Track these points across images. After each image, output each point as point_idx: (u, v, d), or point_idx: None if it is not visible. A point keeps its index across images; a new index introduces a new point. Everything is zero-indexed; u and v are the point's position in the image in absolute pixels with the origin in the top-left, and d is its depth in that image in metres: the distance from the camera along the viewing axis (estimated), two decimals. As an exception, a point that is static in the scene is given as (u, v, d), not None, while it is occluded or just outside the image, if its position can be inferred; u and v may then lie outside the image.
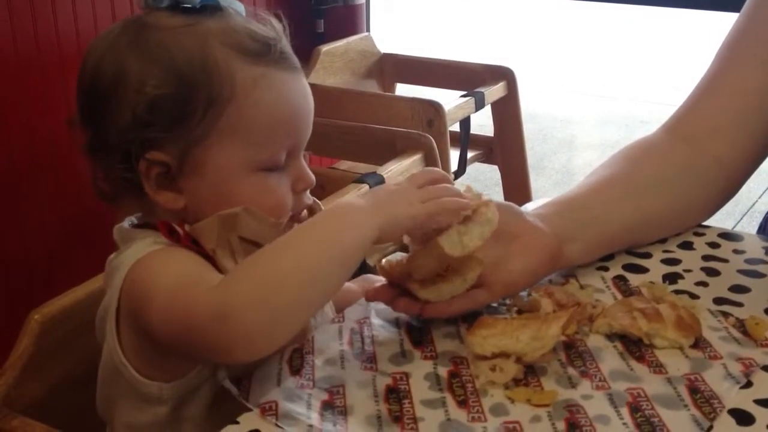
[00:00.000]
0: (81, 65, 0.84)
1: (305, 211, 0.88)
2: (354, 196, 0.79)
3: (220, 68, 0.79)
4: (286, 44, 0.85)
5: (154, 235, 0.82)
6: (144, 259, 0.80)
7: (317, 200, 0.90)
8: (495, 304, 0.89)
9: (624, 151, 1.06)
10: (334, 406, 0.74)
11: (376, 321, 0.87)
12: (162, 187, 0.82)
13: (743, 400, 0.74)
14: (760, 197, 3.46)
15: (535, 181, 2.99)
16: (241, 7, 0.86)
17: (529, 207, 0.98)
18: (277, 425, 0.71)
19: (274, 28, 0.85)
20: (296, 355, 0.81)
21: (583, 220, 0.95)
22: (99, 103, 0.82)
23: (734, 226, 3.13)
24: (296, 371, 0.79)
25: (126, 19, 0.84)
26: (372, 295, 0.86)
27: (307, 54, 2.34)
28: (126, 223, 0.88)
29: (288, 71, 0.84)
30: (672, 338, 0.81)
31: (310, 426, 0.71)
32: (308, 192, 0.88)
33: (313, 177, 0.87)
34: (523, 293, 0.89)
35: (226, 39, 0.81)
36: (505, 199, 2.33)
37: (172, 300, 0.74)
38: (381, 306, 0.88)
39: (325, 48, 2.34)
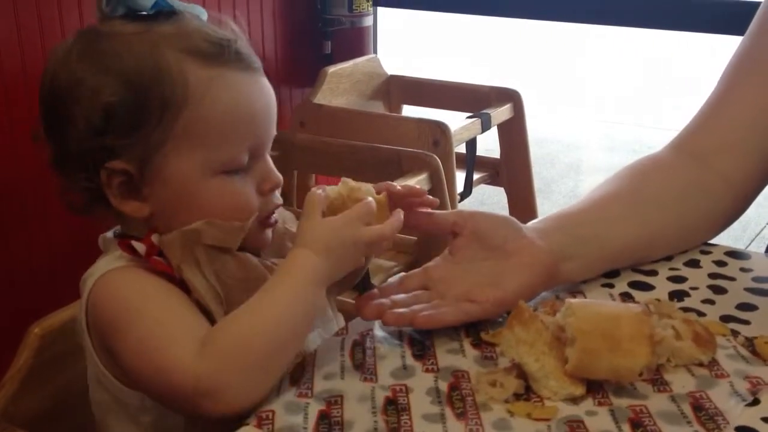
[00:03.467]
0: (41, 78, 0.85)
1: (276, 214, 0.88)
2: (309, 250, 0.80)
3: (172, 72, 0.80)
4: (243, 45, 0.85)
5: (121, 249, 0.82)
6: (104, 279, 0.81)
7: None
8: (499, 319, 0.88)
9: (629, 168, 1.05)
10: (331, 416, 0.73)
11: (378, 333, 0.86)
12: (126, 197, 0.82)
13: (751, 417, 0.73)
14: (768, 223, 3.45)
15: (542, 205, 2.98)
16: (203, 13, 0.86)
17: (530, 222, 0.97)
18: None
19: (232, 30, 0.86)
20: (297, 368, 0.80)
21: (583, 237, 0.94)
22: (56, 114, 0.83)
23: (742, 252, 3.11)
24: (295, 381, 0.78)
25: (80, 30, 0.85)
26: (366, 315, 0.85)
27: (314, 75, 2.35)
28: (110, 233, 0.88)
29: (244, 71, 0.84)
30: (692, 354, 0.80)
31: (307, 437, 0.70)
32: (277, 193, 0.88)
33: (279, 177, 0.87)
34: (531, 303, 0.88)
35: (178, 42, 0.81)
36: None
37: (145, 348, 0.76)
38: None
39: (331, 69, 2.35)
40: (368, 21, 2.57)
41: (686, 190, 1.02)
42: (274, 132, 0.87)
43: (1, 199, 1.83)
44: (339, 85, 2.36)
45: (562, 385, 0.75)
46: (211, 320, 0.79)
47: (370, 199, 0.82)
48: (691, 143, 1.06)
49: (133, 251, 0.81)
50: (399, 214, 0.84)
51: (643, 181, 1.03)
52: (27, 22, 1.81)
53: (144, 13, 0.82)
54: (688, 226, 1.03)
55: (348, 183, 0.84)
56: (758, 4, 1.08)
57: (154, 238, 0.81)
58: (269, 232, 0.88)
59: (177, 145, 0.80)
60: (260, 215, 0.85)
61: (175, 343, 0.75)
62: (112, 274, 0.81)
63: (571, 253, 0.92)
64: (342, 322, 0.97)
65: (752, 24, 1.07)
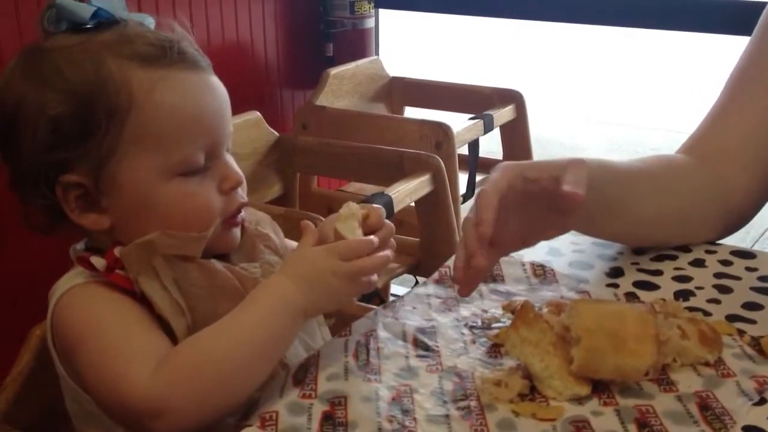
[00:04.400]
0: None
1: (242, 213, 0.87)
2: (285, 277, 0.79)
3: (114, 78, 0.79)
4: (188, 45, 0.84)
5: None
6: (65, 298, 0.81)
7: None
8: (504, 319, 0.87)
9: (656, 157, 1.06)
10: (335, 417, 0.73)
11: (382, 334, 0.86)
12: (84, 210, 0.82)
13: (758, 416, 0.72)
14: (772, 224, 3.44)
15: (545, 206, 2.97)
16: (147, 19, 0.86)
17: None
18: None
19: (175, 31, 0.85)
20: (301, 369, 0.80)
21: (610, 196, 0.94)
22: (6, 135, 0.82)
23: (746, 253, 3.10)
24: (299, 382, 0.78)
25: (23, 48, 0.84)
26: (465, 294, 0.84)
27: (316, 77, 2.34)
28: (80, 244, 0.88)
29: (190, 71, 0.83)
30: (698, 354, 0.80)
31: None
32: (240, 190, 0.86)
33: (240, 174, 0.86)
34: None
35: (119, 49, 0.81)
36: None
37: (101, 368, 0.76)
38: (388, 319, 0.88)
39: (333, 71, 2.35)
40: (370, 23, 2.57)
41: (699, 189, 1.03)
42: (229, 130, 0.86)
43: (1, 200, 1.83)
44: (341, 87, 2.36)
45: (567, 385, 0.75)
46: (171, 333, 0.78)
47: (358, 237, 0.80)
48: (699, 148, 1.07)
49: (92, 267, 0.80)
50: (387, 253, 0.81)
51: (667, 169, 1.03)
52: (28, 22, 1.81)
53: (87, 25, 0.82)
54: (692, 221, 1.03)
55: (350, 207, 0.82)
56: (760, 4, 1.08)
57: (117, 251, 0.80)
58: (236, 232, 0.87)
59: (128, 151, 0.80)
60: (224, 215, 0.84)
61: (128, 363, 0.74)
62: (72, 293, 0.81)
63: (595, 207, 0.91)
64: (327, 333, 0.95)
65: (755, 31, 1.07)
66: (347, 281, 0.79)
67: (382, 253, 0.81)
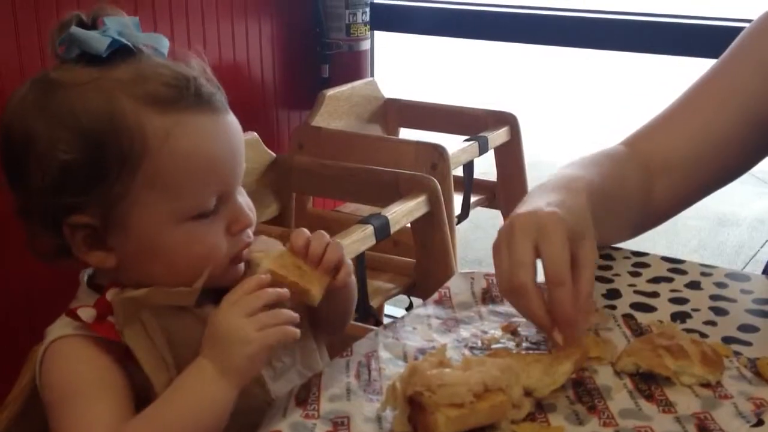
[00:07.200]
0: None
1: (246, 250, 0.86)
2: (200, 358, 0.79)
3: (129, 123, 0.76)
4: (204, 83, 0.81)
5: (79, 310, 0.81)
6: (51, 352, 0.81)
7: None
8: (503, 340, 0.88)
9: (611, 162, 1.07)
10: (339, 437, 0.73)
11: (383, 354, 0.86)
12: (91, 248, 0.81)
13: (755, 438, 0.73)
14: (762, 246, 3.46)
15: (538, 228, 2.97)
16: (163, 43, 0.83)
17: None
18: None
19: (192, 67, 0.82)
20: (303, 389, 0.81)
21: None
22: (14, 167, 0.81)
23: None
24: (301, 402, 0.78)
25: (33, 78, 0.81)
26: None
27: (312, 98, 2.36)
28: (89, 270, 0.87)
29: (205, 114, 0.80)
30: (699, 374, 0.81)
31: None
32: (249, 230, 0.85)
33: (250, 217, 0.85)
34: (530, 333, 0.89)
35: (135, 90, 0.77)
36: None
37: None
38: (389, 340, 0.88)
39: (329, 92, 2.36)
40: (365, 45, 2.59)
41: (633, 196, 1.05)
42: (241, 171, 0.85)
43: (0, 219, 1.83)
44: (337, 108, 2.37)
45: (554, 378, 0.77)
46: (153, 390, 0.79)
47: (251, 282, 0.80)
48: (639, 149, 1.09)
49: (79, 319, 0.79)
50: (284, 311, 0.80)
51: (618, 185, 1.03)
52: (28, 43, 1.82)
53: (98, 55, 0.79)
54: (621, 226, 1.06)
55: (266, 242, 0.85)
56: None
57: (110, 294, 0.80)
58: (240, 267, 0.86)
59: (139, 195, 0.78)
60: (229, 256, 0.83)
61: None
62: (57, 347, 0.80)
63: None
64: (327, 358, 0.95)
65: (727, 51, 1.09)
66: (256, 332, 0.78)
67: (279, 312, 0.80)
